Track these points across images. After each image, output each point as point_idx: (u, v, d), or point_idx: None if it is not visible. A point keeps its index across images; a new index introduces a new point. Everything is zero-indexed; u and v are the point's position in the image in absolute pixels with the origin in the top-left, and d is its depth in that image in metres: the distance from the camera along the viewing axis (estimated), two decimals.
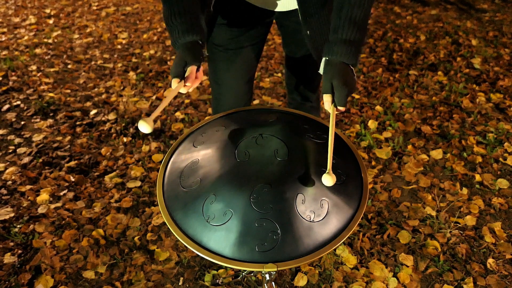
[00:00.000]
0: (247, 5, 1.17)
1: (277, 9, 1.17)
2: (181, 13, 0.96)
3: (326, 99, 0.92)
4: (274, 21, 1.30)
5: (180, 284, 1.50)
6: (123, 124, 2.30)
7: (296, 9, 1.14)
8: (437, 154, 2.08)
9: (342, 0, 0.93)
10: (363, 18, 0.93)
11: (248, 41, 1.25)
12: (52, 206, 1.80)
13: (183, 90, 0.95)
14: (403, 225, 1.72)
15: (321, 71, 0.97)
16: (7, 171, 1.98)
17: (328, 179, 0.82)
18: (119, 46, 3.23)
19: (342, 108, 0.92)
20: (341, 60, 0.92)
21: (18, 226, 1.71)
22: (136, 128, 2.27)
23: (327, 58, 0.94)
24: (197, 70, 0.95)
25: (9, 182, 1.93)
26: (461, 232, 1.69)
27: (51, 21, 3.67)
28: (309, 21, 1.09)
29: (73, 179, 1.94)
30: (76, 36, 3.40)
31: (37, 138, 2.21)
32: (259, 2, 1.16)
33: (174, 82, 0.94)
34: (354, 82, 0.94)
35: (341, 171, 0.91)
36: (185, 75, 0.94)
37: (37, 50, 3.15)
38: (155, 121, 0.99)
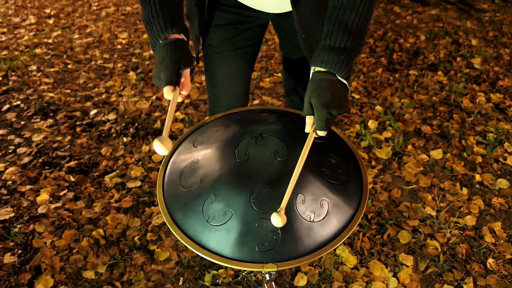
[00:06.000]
0: (243, 7, 1.16)
1: (273, 11, 1.15)
2: (161, 12, 0.87)
3: (307, 121, 0.83)
4: (270, 22, 1.29)
5: (180, 284, 1.50)
6: (123, 124, 2.30)
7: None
8: (437, 154, 2.08)
9: (336, 4, 0.85)
10: (358, 25, 0.83)
11: (244, 43, 1.23)
12: (52, 206, 1.80)
13: (178, 99, 0.84)
14: (403, 225, 1.72)
15: None
16: (7, 171, 1.98)
17: (277, 219, 0.74)
18: (119, 46, 3.23)
19: (322, 133, 0.81)
20: (327, 69, 0.82)
21: (18, 226, 1.71)
22: (136, 128, 2.27)
23: (312, 71, 0.85)
24: (191, 73, 0.85)
25: (9, 182, 1.93)
26: (461, 232, 1.69)
27: (51, 21, 3.67)
28: (304, 24, 1.05)
29: (73, 179, 1.94)
30: (76, 36, 3.40)
31: (37, 138, 2.21)
32: (255, 4, 1.15)
33: (168, 91, 0.82)
34: (339, 99, 0.80)
35: (341, 171, 0.91)
36: (180, 81, 0.83)
37: (37, 50, 3.15)
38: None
